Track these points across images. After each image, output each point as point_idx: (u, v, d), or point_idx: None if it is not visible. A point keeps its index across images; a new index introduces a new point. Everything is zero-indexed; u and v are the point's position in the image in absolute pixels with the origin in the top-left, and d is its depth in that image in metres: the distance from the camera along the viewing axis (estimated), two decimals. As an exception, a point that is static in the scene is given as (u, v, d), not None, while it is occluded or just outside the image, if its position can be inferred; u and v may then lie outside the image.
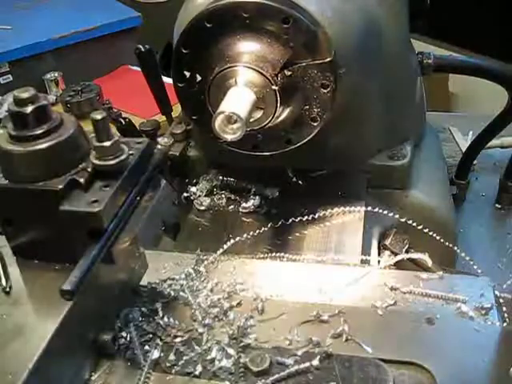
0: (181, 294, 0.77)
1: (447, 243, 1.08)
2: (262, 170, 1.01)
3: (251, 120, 0.77)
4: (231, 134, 0.73)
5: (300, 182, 1.02)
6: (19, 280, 0.68)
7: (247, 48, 0.78)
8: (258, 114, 0.78)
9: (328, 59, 0.78)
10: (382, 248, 1.00)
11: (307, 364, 0.66)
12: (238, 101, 0.73)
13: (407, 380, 0.65)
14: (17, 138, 0.62)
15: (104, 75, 2.96)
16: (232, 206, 0.99)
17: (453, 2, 2.74)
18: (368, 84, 0.95)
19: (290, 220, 0.93)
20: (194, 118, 0.87)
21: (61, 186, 0.62)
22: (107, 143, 0.63)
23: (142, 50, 1.13)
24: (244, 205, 0.98)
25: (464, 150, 1.54)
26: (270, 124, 0.80)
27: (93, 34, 2.89)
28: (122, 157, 0.64)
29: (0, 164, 0.65)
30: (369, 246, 0.97)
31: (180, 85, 0.84)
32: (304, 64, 0.79)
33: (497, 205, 1.42)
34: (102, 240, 0.61)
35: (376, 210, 0.94)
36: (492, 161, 1.57)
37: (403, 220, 1.01)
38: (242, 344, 0.69)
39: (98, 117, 0.62)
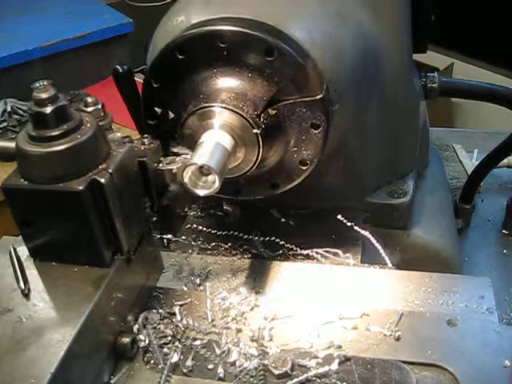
0: (198, 295, 0.78)
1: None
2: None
3: (230, 167, 0.67)
4: (204, 189, 0.63)
5: (291, 222, 0.93)
6: (38, 282, 0.67)
7: (225, 84, 0.68)
8: (238, 161, 0.68)
9: (319, 96, 0.68)
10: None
11: (326, 368, 0.66)
12: (213, 149, 0.63)
13: (430, 382, 0.66)
14: (36, 139, 0.62)
15: (94, 83, 2.89)
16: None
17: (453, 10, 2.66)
18: (365, 116, 0.85)
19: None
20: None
21: (81, 187, 0.61)
22: None
23: (120, 70, 1.03)
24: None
25: (469, 169, 1.46)
26: (251, 170, 0.70)
27: (83, 41, 2.84)
28: None
29: (19, 165, 0.65)
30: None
31: (150, 122, 0.74)
32: (291, 102, 0.69)
33: (504, 230, 1.33)
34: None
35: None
36: (498, 181, 1.50)
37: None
38: (262, 346, 0.69)
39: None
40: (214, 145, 0.63)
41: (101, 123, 0.74)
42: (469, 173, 1.38)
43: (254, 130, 0.66)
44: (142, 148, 0.72)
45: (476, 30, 3.01)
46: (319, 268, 0.84)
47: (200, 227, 0.93)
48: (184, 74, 0.70)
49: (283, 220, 0.93)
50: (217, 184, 0.62)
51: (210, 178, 0.63)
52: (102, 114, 0.79)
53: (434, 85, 1.01)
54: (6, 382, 0.57)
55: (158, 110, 0.73)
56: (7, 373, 0.57)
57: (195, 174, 0.63)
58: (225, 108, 0.66)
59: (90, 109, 0.78)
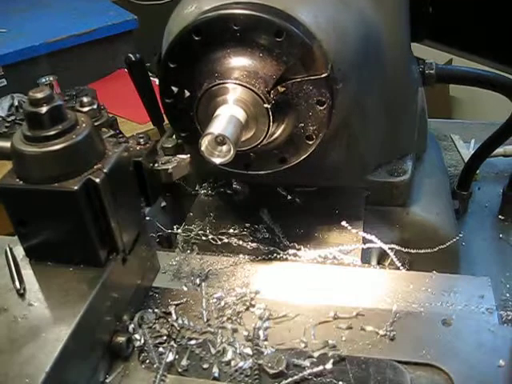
0: (194, 295, 0.78)
1: (450, 261, 1.05)
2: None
3: (242, 139, 0.72)
4: (220, 157, 0.68)
5: (297, 199, 0.98)
6: (33, 282, 0.68)
7: (238, 63, 0.73)
8: (250, 134, 0.73)
9: (324, 75, 0.73)
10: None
11: (321, 367, 0.66)
12: (228, 121, 0.68)
13: (424, 381, 0.66)
14: (31, 139, 0.62)
15: (99, 79, 2.93)
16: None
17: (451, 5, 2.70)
18: (366, 97, 0.90)
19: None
20: (182, 135, 0.82)
21: (76, 187, 0.62)
22: None
23: (133, 59, 1.08)
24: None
25: (466, 159, 1.50)
26: (262, 143, 0.75)
27: (88, 37, 2.86)
28: None
29: (14, 165, 0.65)
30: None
31: (167, 100, 0.79)
32: (298, 80, 0.74)
33: (500, 216, 1.38)
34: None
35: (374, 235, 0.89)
36: (495, 170, 1.53)
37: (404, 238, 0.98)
38: (257, 346, 0.69)
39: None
40: (228, 117, 0.68)
41: (96, 123, 0.75)
42: (466, 161, 1.42)
43: (265, 105, 0.71)
44: (138, 148, 0.73)
45: (475, 27, 3.05)
46: (318, 268, 0.85)
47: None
48: (200, 55, 0.75)
49: (289, 197, 0.98)
50: (231, 153, 0.67)
51: (225, 147, 0.67)
52: (98, 114, 0.80)
53: (431, 71, 1.06)
54: (1, 382, 0.57)
55: (174, 88, 0.78)
56: (2, 372, 0.57)
57: (211, 144, 0.68)
58: (238, 84, 0.70)
59: (85, 109, 0.79)
